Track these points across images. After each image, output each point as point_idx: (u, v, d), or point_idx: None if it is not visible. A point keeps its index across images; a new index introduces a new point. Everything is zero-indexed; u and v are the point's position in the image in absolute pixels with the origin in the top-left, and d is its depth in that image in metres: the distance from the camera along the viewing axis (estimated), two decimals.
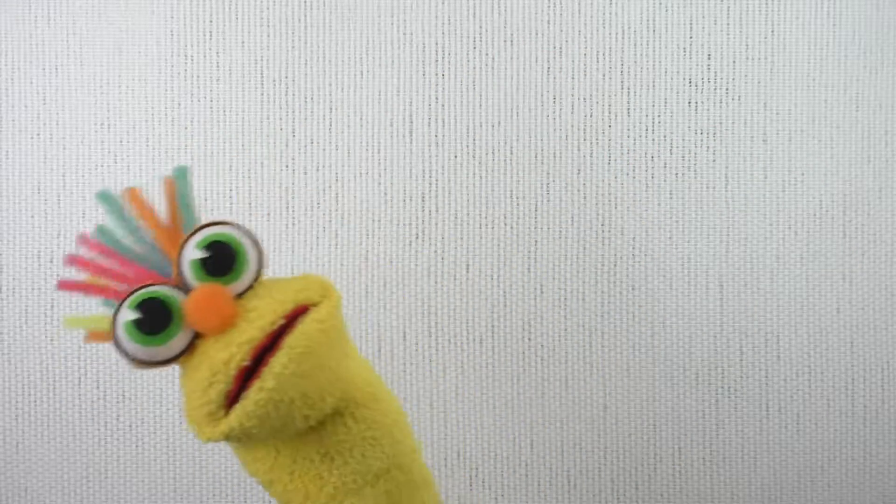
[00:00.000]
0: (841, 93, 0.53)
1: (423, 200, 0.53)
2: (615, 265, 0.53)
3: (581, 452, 0.54)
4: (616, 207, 0.53)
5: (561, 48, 0.53)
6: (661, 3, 0.53)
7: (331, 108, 0.53)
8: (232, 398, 0.28)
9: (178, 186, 0.31)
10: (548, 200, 0.53)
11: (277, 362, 0.27)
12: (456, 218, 0.53)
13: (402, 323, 0.53)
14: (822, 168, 0.53)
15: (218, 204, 0.53)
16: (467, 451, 0.54)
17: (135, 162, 0.53)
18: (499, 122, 0.53)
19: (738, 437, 0.54)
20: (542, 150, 0.53)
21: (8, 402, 0.53)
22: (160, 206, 0.31)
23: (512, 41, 0.53)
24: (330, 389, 0.30)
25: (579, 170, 0.53)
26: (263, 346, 0.28)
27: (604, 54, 0.53)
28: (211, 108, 0.53)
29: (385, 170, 0.53)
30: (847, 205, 0.54)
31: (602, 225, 0.53)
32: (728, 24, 0.53)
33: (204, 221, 0.31)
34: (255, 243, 0.30)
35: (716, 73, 0.53)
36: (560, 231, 0.53)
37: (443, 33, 0.53)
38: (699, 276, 0.54)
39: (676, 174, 0.53)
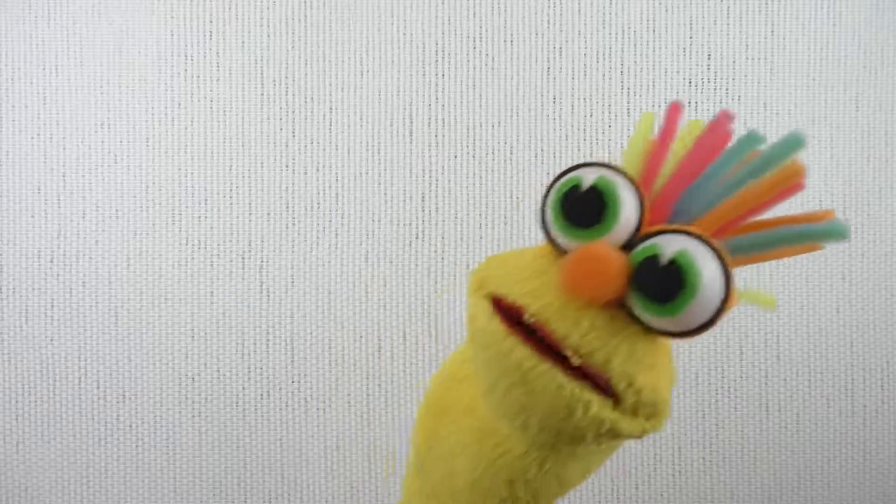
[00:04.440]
0: (841, 93, 0.53)
1: (423, 200, 0.53)
2: None
3: None
4: None
5: (561, 48, 0.53)
6: (661, 3, 0.53)
7: (331, 108, 0.53)
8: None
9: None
10: None
11: None
12: (456, 218, 0.53)
13: (402, 323, 0.53)
14: (822, 168, 0.53)
15: (218, 204, 0.53)
16: None
17: (135, 162, 0.53)
18: (499, 122, 0.53)
19: (738, 436, 0.54)
20: (542, 150, 0.53)
21: (8, 402, 0.53)
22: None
23: (512, 41, 0.53)
24: None
25: None
26: None
27: (604, 54, 0.53)
28: (211, 108, 0.53)
29: (385, 170, 0.53)
30: (847, 205, 0.53)
31: None
32: (728, 24, 0.53)
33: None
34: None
35: (716, 73, 0.53)
36: None
37: (443, 33, 0.53)
38: None
39: None
